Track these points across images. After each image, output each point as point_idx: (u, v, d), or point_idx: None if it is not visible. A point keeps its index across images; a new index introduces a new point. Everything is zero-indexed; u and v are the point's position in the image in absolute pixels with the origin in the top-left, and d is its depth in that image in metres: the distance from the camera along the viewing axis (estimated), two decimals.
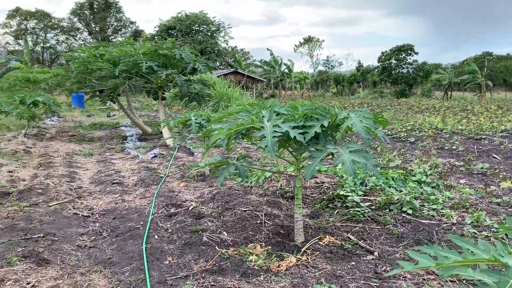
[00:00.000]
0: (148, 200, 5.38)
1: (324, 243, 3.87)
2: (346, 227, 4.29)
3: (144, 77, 9.85)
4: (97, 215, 4.92)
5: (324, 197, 5.10)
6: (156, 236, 4.19)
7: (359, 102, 31.48)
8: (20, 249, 3.71)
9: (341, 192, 5.00)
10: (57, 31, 55.37)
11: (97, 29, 56.82)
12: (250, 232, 4.17)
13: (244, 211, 4.74)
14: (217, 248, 3.81)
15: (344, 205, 4.80)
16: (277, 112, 3.71)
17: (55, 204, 5.17)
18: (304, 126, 3.38)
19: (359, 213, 4.53)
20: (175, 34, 43.56)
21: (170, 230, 4.33)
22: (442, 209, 4.66)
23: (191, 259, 3.61)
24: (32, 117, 10.76)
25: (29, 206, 5.02)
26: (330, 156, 3.57)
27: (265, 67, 46.63)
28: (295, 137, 3.21)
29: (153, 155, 8.40)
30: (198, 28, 44.91)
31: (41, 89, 22.27)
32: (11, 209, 4.85)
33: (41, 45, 54.62)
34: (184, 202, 5.18)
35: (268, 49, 41.92)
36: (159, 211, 4.91)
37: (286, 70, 44.16)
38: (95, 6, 56.66)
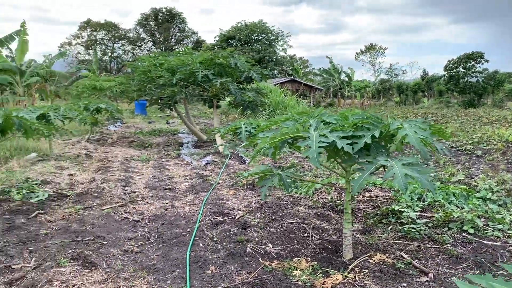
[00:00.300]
0: (197, 207, 5.39)
1: (374, 261, 3.63)
2: (400, 244, 4.01)
3: (200, 86, 10.02)
4: (146, 220, 5.00)
5: (378, 212, 4.83)
6: (201, 244, 4.16)
7: (423, 112, 30.12)
8: (70, 251, 3.83)
9: (396, 207, 4.71)
10: (124, 41, 58.46)
11: (161, 40, 59.27)
12: (296, 246, 4.02)
13: (291, 223, 4.59)
14: (261, 260, 3.70)
15: (398, 221, 4.51)
16: (325, 121, 3.56)
17: (108, 208, 5.33)
18: (354, 136, 3.20)
19: (415, 230, 4.23)
20: (234, 44, 44.38)
21: (215, 239, 4.28)
22: (509, 229, 4.24)
23: (234, 270, 3.52)
24: (95, 123, 11.30)
25: (83, 209, 5.20)
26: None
27: (324, 75, 46.13)
28: (343, 147, 3.04)
29: (206, 162, 8.48)
30: (257, 37, 45.45)
31: (106, 97, 23.53)
32: (66, 211, 5.05)
33: (109, 54, 57.84)
34: (232, 210, 5.13)
35: (327, 57, 41.42)
36: (206, 219, 4.89)
37: (346, 79, 43.37)
38: (159, 17, 59.20)
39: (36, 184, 6.31)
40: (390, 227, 4.42)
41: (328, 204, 5.20)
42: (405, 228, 4.28)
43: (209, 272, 3.53)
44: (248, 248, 3.94)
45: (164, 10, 59.52)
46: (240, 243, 4.10)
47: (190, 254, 3.90)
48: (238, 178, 6.45)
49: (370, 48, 63.54)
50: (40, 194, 5.73)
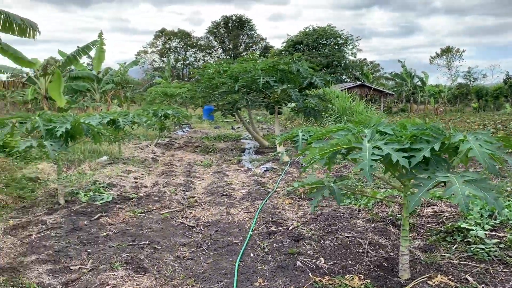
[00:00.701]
0: (251, 215, 5.34)
1: (434, 282, 3.34)
2: (465, 266, 3.67)
3: (262, 92, 10.03)
4: (201, 226, 5.04)
5: (442, 228, 4.47)
6: (251, 254, 4.10)
7: (505, 118, 27.86)
8: (125, 254, 3.94)
9: (463, 225, 4.32)
10: (195, 49, 60.60)
11: (230, 47, 60.70)
12: (350, 262, 3.82)
13: (347, 236, 4.39)
14: (311, 275, 3.55)
15: (465, 240, 4.13)
16: (381, 132, 3.35)
17: (166, 212, 5.46)
18: (412, 149, 2.97)
19: (483, 251, 3.84)
20: (301, 49, 44.22)
21: (266, 250, 4.20)
22: None
23: (282, 284, 3.42)
24: (163, 129, 11.75)
25: (143, 213, 5.37)
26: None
27: (396, 79, 44.44)
28: (398, 161, 2.83)
29: (265, 169, 8.45)
30: (325, 42, 44.93)
31: (177, 103, 24.48)
32: (127, 215, 5.25)
33: (181, 62, 60.23)
34: (286, 220, 5.02)
35: (399, 61, 39.78)
36: (259, 228, 4.83)
37: (419, 83, 41.39)
38: (230, 24, 60.67)
39: (102, 186, 6.65)
40: (455, 246, 4.06)
41: (388, 218, 4.91)
42: (472, 248, 3.91)
43: (257, 284, 3.46)
44: (298, 262, 3.81)
45: (234, 17, 60.96)
46: (291, 256, 3.98)
47: (240, 264, 3.85)
48: (293, 188, 6.32)
49: (447, 50, 60.14)
50: (105, 197, 6.02)
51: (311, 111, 9.89)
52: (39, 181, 7.46)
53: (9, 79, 12.35)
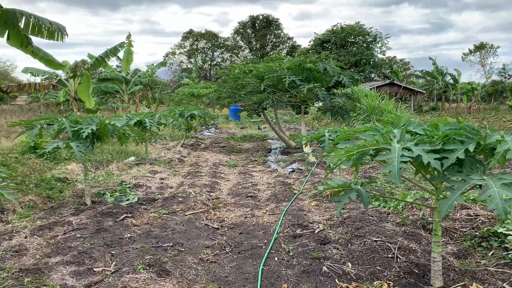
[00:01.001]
0: (276, 217, 5.24)
1: None
2: (503, 274, 3.45)
3: (288, 92, 9.91)
4: (225, 228, 4.97)
5: (477, 233, 4.24)
6: (276, 258, 3.99)
7: None
8: (148, 257, 3.91)
9: (500, 230, 4.08)
10: (222, 49, 60.90)
11: (257, 46, 60.70)
12: (378, 267, 3.66)
13: (375, 241, 4.22)
14: (337, 281, 3.42)
15: (502, 246, 3.90)
16: (411, 132, 3.18)
17: (190, 214, 5.42)
18: (444, 150, 2.80)
19: None
20: (329, 47, 43.71)
21: (291, 253, 4.09)
22: None
23: None
24: (189, 129, 11.79)
25: (167, 214, 5.35)
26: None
27: (427, 77, 43.32)
28: (429, 163, 2.66)
29: (291, 170, 8.32)
30: (353, 40, 44.26)
31: (203, 103, 24.62)
32: (151, 216, 5.24)
33: (209, 62, 60.66)
34: (312, 223, 4.89)
35: (430, 58, 38.72)
36: (285, 231, 4.71)
37: (451, 81, 40.20)
38: (256, 24, 60.67)
39: (128, 187, 6.69)
40: (491, 252, 3.83)
41: (418, 222, 4.71)
42: (510, 255, 3.68)
43: None
44: (324, 267, 3.68)
45: (261, 17, 60.93)
46: (317, 260, 3.85)
47: (264, 269, 3.76)
48: (319, 190, 6.17)
49: (480, 47, 58.25)
50: (130, 198, 6.04)
51: (339, 111, 9.69)
52: (67, 181, 7.59)
53: (42, 81, 12.71)
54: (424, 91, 37.78)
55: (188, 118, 11.74)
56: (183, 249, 4.23)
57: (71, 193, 6.43)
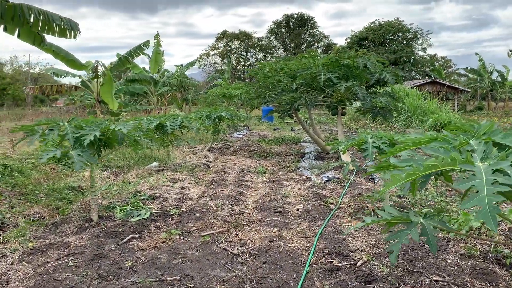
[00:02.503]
0: (309, 242, 4.35)
1: None
2: None
3: (323, 91, 8.97)
4: (247, 254, 4.13)
5: None
6: None
7: None
8: None
9: None
10: (256, 49, 60.26)
11: (292, 46, 59.64)
12: None
13: (436, 281, 3.26)
14: None
15: None
16: (498, 144, 2.24)
17: (207, 234, 4.62)
18: None
19: None
20: (366, 45, 42.13)
21: None
22: None
23: None
24: (216, 131, 11.05)
25: (180, 235, 4.57)
26: None
27: (471, 75, 40.94)
28: None
29: (326, 179, 7.39)
30: (392, 37, 42.46)
31: (236, 104, 23.93)
32: (161, 237, 4.47)
33: (242, 63, 60.15)
34: (352, 251, 3.97)
35: (476, 54, 36.44)
36: (319, 261, 3.82)
37: (499, 78, 37.72)
38: (291, 23, 59.65)
39: (143, 199, 5.98)
40: None
41: (490, 254, 3.70)
42: None
43: None
44: None
45: (295, 16, 59.84)
46: None
47: None
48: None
49: None
50: (142, 213, 5.32)
51: (380, 111, 8.66)
52: (81, 190, 7.00)
53: (65, 83, 12.39)
54: (469, 90, 35.63)
55: (216, 120, 10.99)
56: (192, 285, 3.42)
57: (80, 206, 5.77)
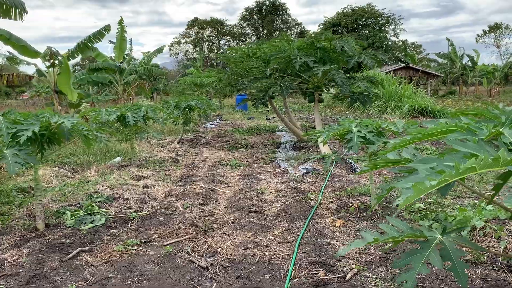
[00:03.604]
0: (289, 249, 3.77)
1: None
2: None
3: (299, 76, 8.38)
4: (217, 267, 3.52)
5: None
6: None
7: None
8: None
9: None
10: (229, 37, 59.15)
11: (264, 33, 58.77)
12: None
13: None
14: None
15: None
16: None
17: (171, 243, 3.98)
18: None
19: None
20: (340, 31, 41.76)
21: None
22: None
23: None
24: (187, 122, 10.35)
25: (138, 245, 3.91)
26: None
27: (441, 60, 41.20)
28: None
29: (305, 171, 6.84)
30: (365, 23, 42.22)
31: (208, 93, 23.12)
32: (116, 249, 3.79)
33: (215, 51, 58.99)
34: (340, 260, 3.41)
35: (447, 39, 36.54)
36: (301, 274, 3.25)
37: (469, 63, 38.05)
38: (263, 10, 58.73)
39: (99, 201, 5.27)
40: None
41: (499, 259, 3.20)
42: None
43: None
44: None
45: (267, 2, 58.89)
46: None
47: None
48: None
49: (495, 28, 56.10)
50: (96, 219, 4.63)
51: (359, 97, 8.14)
52: (33, 191, 6.21)
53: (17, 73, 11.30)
54: (441, 75, 35.83)
55: (186, 110, 10.27)
56: None
57: (25, 212, 5.01)
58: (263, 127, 14.15)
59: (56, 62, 9.79)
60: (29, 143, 4.17)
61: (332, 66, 7.53)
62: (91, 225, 4.45)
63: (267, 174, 7.07)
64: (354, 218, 4.43)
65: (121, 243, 3.94)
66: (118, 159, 8.31)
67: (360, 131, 4.08)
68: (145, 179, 6.60)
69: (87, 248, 3.83)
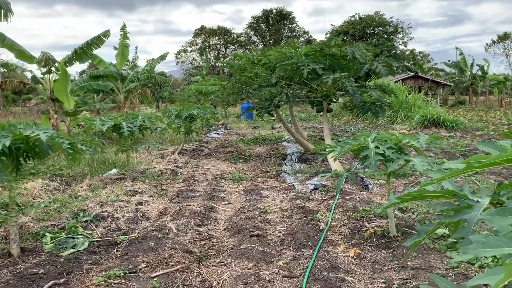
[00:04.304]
0: (296, 285, 3.23)
1: None
2: None
3: (306, 84, 7.88)
4: None
5: None
6: None
7: None
8: None
9: None
10: (235, 45, 58.94)
11: (271, 41, 58.52)
12: None
13: None
14: None
15: None
16: None
17: (159, 274, 3.46)
18: None
19: None
20: (347, 39, 41.33)
21: None
22: None
23: None
24: (188, 132, 9.87)
25: (122, 277, 3.39)
26: None
27: (451, 69, 40.59)
28: None
29: (312, 187, 6.31)
30: (372, 31, 41.76)
31: (214, 102, 22.69)
32: (95, 282, 3.28)
33: (221, 59, 58.77)
34: None
35: (457, 48, 36.16)
36: None
37: (479, 72, 37.39)
38: (270, 18, 58.54)
39: (86, 221, 4.77)
40: None
41: None
42: None
43: None
44: None
45: (274, 11, 58.74)
46: None
47: None
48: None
49: (504, 37, 55.69)
50: (78, 242, 4.12)
51: (371, 107, 7.61)
52: (18, 207, 5.73)
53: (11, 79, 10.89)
54: (451, 84, 35.20)
55: (187, 119, 9.79)
56: None
57: (2, 233, 4.52)
58: (268, 137, 13.64)
59: (53, 68, 9.39)
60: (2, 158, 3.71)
61: (343, 74, 7.02)
62: (71, 250, 3.94)
63: (272, 189, 6.54)
64: (370, 246, 3.88)
65: (103, 273, 3.42)
66: (114, 171, 7.83)
67: (378, 147, 3.55)
68: (139, 195, 6.10)
69: (62, 280, 3.32)
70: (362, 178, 6.71)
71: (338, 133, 14.10)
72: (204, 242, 4.31)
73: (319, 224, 4.63)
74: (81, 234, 4.32)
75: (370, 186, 6.34)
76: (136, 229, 4.65)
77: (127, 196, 5.96)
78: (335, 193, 5.86)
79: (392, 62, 7.56)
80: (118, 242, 4.22)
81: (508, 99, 35.29)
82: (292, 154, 9.64)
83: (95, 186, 6.67)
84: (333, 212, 4.99)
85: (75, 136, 4.56)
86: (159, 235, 4.33)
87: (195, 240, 4.31)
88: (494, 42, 58.04)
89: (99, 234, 4.44)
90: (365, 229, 4.26)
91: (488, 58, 40.09)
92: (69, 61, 10.42)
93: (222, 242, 4.34)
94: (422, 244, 3.80)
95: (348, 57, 7.21)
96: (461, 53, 36.22)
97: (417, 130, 15.13)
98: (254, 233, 4.39)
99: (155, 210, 5.49)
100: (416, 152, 3.83)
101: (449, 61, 38.96)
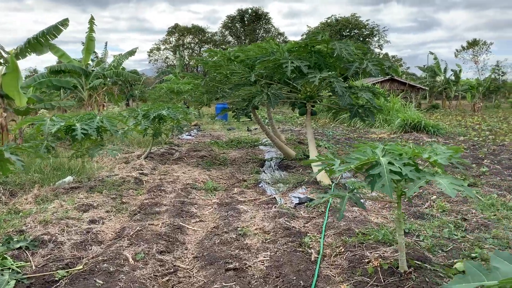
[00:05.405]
0: None
1: None
2: None
3: (288, 84, 7.09)
4: None
5: None
6: None
7: None
8: None
9: None
10: (210, 44, 57.87)
11: (246, 41, 57.74)
12: None
13: None
14: None
15: None
16: None
17: None
18: None
19: None
20: None
21: None
22: None
23: None
24: (156, 134, 8.93)
25: None
26: None
27: (423, 73, 40.80)
28: None
29: (297, 201, 5.52)
30: (349, 33, 41.52)
31: (185, 100, 21.67)
32: None
33: (196, 58, 57.60)
34: None
35: (431, 53, 36.19)
36: None
37: (452, 77, 37.68)
38: (245, 18, 57.77)
39: (20, 247, 3.82)
40: None
41: None
42: None
43: None
44: None
45: (250, 11, 57.98)
46: None
47: None
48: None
49: (473, 44, 56.94)
50: (2, 281, 3.18)
51: (360, 110, 6.90)
52: None
53: None
54: (427, 88, 35.30)
55: (156, 120, 8.85)
56: None
57: None
58: (244, 140, 12.79)
59: (1, 60, 8.25)
60: None
61: (331, 73, 6.26)
62: None
63: (250, 203, 5.70)
64: (377, 285, 3.11)
65: None
66: (68, 178, 6.83)
67: (391, 163, 2.77)
68: (93, 210, 5.16)
69: None
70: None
71: (317, 136, 13.42)
72: (167, 278, 3.43)
73: (310, 251, 3.83)
74: (9, 268, 3.38)
75: (361, 200, 5.59)
76: (83, 258, 3.73)
77: (78, 212, 5.01)
78: (323, 209, 5.08)
79: (384, 61, 6.85)
80: (57, 279, 3.29)
81: (481, 104, 35.66)
82: (271, 160, 8.84)
83: (43, 198, 5.68)
84: (325, 235, 4.20)
85: (28, 138, 3.61)
86: (111, 268, 3.43)
87: (156, 275, 3.43)
88: (463, 48, 59.16)
89: (34, 267, 3.50)
90: (366, 260, 3.49)
91: (457, 64, 40.51)
92: (21, 52, 9.28)
93: (190, 277, 3.48)
94: (436, 275, 3.05)
95: (336, 55, 6.45)
96: (435, 58, 36.39)
97: (398, 134, 14.63)
98: (231, 266, 3.54)
99: (110, 230, 4.57)
100: (436, 167, 3.08)
101: (424, 65, 39.07)
